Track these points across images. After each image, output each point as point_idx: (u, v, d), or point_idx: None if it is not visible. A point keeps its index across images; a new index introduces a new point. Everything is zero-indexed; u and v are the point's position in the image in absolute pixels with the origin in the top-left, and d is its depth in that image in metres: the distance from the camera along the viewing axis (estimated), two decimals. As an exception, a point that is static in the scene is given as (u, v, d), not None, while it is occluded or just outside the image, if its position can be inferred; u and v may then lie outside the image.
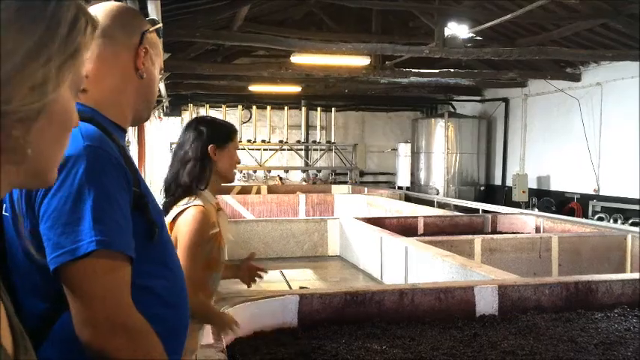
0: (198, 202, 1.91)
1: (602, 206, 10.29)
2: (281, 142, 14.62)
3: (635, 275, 3.76)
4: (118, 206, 0.99)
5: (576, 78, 10.98)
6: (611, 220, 9.23)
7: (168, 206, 1.94)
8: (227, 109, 14.09)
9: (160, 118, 13.14)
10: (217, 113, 13.66)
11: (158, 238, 1.08)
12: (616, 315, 3.15)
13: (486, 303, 3.22)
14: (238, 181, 13.15)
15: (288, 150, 15.02)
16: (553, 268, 5.51)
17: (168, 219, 1.91)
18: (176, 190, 1.96)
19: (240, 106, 14.18)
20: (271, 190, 11.95)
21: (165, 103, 11.30)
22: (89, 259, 0.94)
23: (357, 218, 7.20)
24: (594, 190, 10.77)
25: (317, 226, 7.23)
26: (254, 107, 14.28)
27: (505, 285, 3.31)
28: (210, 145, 1.99)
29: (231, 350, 2.47)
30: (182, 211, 1.91)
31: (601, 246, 5.76)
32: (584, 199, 10.88)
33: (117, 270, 0.97)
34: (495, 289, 3.26)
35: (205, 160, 1.99)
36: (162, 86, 8.39)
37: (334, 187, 12.99)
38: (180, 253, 1.81)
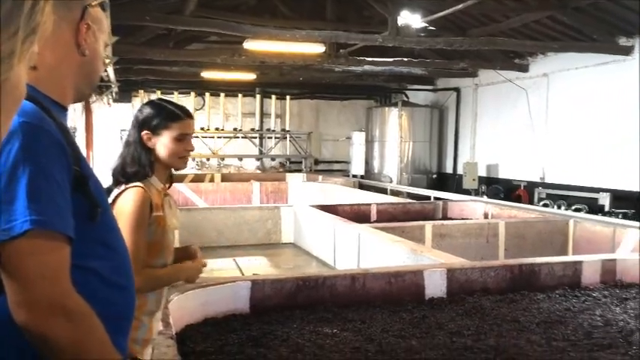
0: (138, 184, 1.91)
1: (547, 193, 10.66)
2: (235, 129, 14.49)
3: (576, 258, 3.93)
4: (56, 185, 0.96)
5: (524, 69, 11.29)
6: (555, 207, 9.59)
7: (110, 190, 1.92)
8: (179, 95, 13.82)
9: (109, 104, 12.78)
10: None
11: (100, 218, 1.06)
12: (557, 295, 3.28)
13: (435, 286, 3.29)
14: (192, 169, 12.97)
15: (242, 138, 14.89)
16: (500, 252, 5.69)
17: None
18: (118, 175, 1.96)
19: (193, 93, 13.94)
20: (225, 178, 11.85)
21: (115, 89, 10.99)
22: (24, 239, 0.91)
23: (311, 206, 7.23)
24: (540, 178, 11.14)
25: (271, 214, 7.22)
26: (207, 94, 14.07)
27: (453, 269, 3.40)
28: (144, 132, 1.97)
29: (182, 337, 2.45)
30: (121, 193, 1.90)
31: (545, 230, 5.98)
32: (531, 186, 11.25)
33: (54, 250, 0.94)
34: (444, 273, 3.34)
35: (139, 146, 1.97)
36: (111, 71, 8.16)
37: (289, 175, 12.99)
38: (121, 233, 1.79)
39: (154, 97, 14.04)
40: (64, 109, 1.13)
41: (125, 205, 1.87)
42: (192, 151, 2.06)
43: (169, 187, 2.20)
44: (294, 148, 15.23)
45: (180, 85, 14.06)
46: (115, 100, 13.19)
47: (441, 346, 2.43)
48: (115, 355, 1.02)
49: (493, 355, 2.32)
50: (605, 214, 8.61)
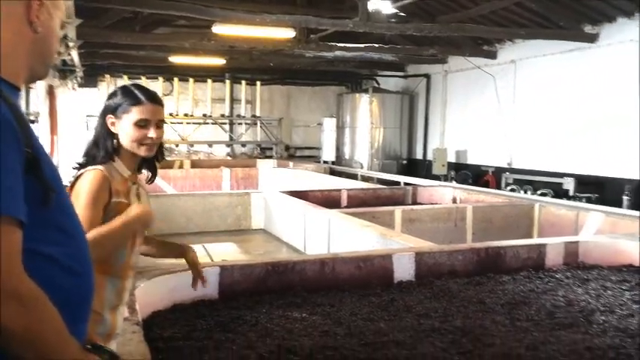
0: (98, 167, 1.85)
1: (514, 178, 10.85)
2: (205, 115, 14.31)
3: (540, 240, 4.01)
4: (5, 167, 0.92)
5: (492, 55, 11.41)
6: (522, 191, 9.77)
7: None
8: (147, 80, 13.55)
9: (74, 88, 12.47)
10: (137, 85, 13.14)
11: (56, 203, 1.02)
12: (522, 277, 3.35)
13: (404, 270, 3.33)
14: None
15: (212, 124, 14.72)
16: (467, 236, 5.77)
17: (68, 185, 1.87)
18: (83, 158, 1.91)
19: (161, 78, 13.70)
20: (195, 165, 11.72)
21: (80, 74, 10.72)
22: None
23: (282, 192, 7.21)
24: (507, 164, 11.33)
25: (240, 200, 7.17)
26: (176, 79, 13.85)
27: (421, 252, 3.44)
28: (108, 116, 1.93)
29: (149, 323, 2.43)
30: (80, 176, 1.86)
31: (511, 215, 6.09)
32: (499, 171, 11.43)
33: (5, 234, 0.91)
34: (412, 257, 3.38)
35: (103, 130, 1.93)
36: (75, 55, 7.95)
37: (259, 161, 12.92)
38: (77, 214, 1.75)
39: (120, 82, 13.80)
40: (17, 90, 1.08)
41: (81, 185, 1.83)
42: (154, 138, 1.93)
43: (152, 180, 2.14)
44: (264, 134, 15.14)
45: (147, 70, 13.80)
46: (80, 85, 12.85)
47: (409, 328, 2.46)
48: (71, 342, 1.00)
49: (459, 336, 2.36)
50: (569, 198, 8.82)
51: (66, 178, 1.67)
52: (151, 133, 1.93)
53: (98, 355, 1.13)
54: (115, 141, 1.93)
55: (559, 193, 9.42)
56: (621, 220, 5.15)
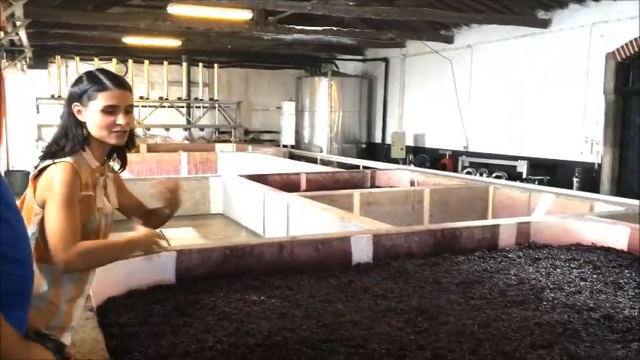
0: (67, 159, 1.78)
1: (470, 161, 11.07)
2: (161, 98, 14.04)
3: (494, 221, 4.11)
4: None
5: (449, 40, 11.55)
6: (478, 174, 9.98)
7: (38, 165, 1.80)
8: (100, 62, 13.18)
9: (23, 70, 12.00)
10: (89, 67, 12.74)
11: None
12: (476, 257, 3.43)
13: (362, 252, 3.36)
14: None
15: (168, 107, 14.45)
16: (425, 218, 5.88)
17: (31, 176, 1.80)
18: (47, 148, 1.83)
19: (114, 60, 13.34)
20: (151, 149, 11.50)
21: (29, 54, 10.32)
22: None
23: (241, 176, 7.16)
24: (464, 147, 11.54)
25: (199, 184, 7.08)
26: (130, 61, 13.50)
27: (379, 234, 3.48)
28: (74, 104, 1.85)
29: (103, 309, 2.39)
30: (46, 167, 1.77)
31: (467, 197, 6.23)
32: (455, 155, 11.64)
33: None
34: (370, 239, 3.41)
35: (70, 119, 1.85)
36: (23, 35, 7.64)
37: (218, 145, 12.77)
38: (52, 210, 1.70)
39: (72, 63, 13.35)
40: None
41: (52, 181, 1.74)
42: (123, 125, 1.85)
43: (122, 170, 2.07)
44: (223, 117, 14.96)
45: (100, 51, 13.40)
46: (29, 67, 12.40)
47: (366, 309, 2.49)
48: (5, 327, 0.97)
49: (415, 315, 2.40)
50: (523, 180, 9.07)
51: (17, 164, 1.61)
52: (120, 119, 1.83)
53: (42, 343, 1.10)
54: (84, 130, 1.85)
55: (513, 175, 9.67)
56: (571, 201, 5.33)
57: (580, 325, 2.28)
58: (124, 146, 1.96)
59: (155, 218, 2.25)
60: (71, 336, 1.80)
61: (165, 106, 14.28)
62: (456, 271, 3.14)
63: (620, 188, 8.60)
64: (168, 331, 2.19)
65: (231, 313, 2.40)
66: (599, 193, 7.77)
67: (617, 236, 3.69)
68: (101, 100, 1.82)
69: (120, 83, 1.88)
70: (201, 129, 14.78)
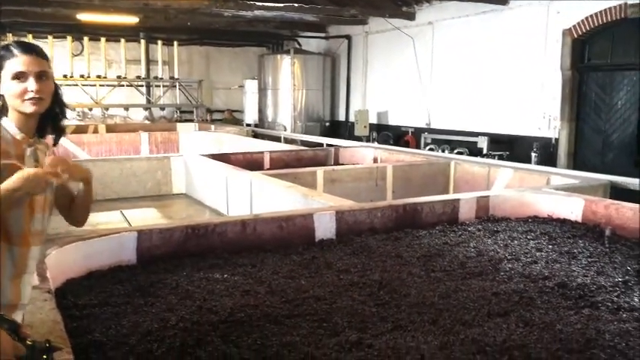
0: None
1: (432, 138, 11.20)
2: (119, 77, 13.67)
3: (454, 196, 4.18)
4: None
5: (411, 17, 11.56)
6: (440, 150, 10.12)
7: None
8: (54, 40, 12.74)
9: (-29, 48, 11.49)
10: (43, 44, 12.30)
11: None
12: (437, 231, 3.49)
13: (325, 228, 3.38)
14: (73, 120, 12.14)
15: (127, 86, 14.10)
16: (388, 195, 5.93)
17: None
18: None
19: (69, 37, 12.90)
20: (110, 129, 11.23)
21: (-22, 32, 9.88)
22: None
23: (203, 155, 7.07)
24: (426, 124, 11.66)
25: (160, 164, 6.96)
26: (86, 39, 13.08)
27: (342, 211, 3.50)
28: None
29: (62, 291, 2.34)
30: None
31: (429, 173, 6.31)
32: (418, 132, 11.75)
33: None
34: (333, 215, 3.43)
35: None
36: (-30, 11, 7.29)
37: (179, 125, 12.56)
38: None
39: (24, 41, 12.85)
40: None
41: None
42: (35, 91, 1.77)
43: (56, 142, 1.99)
44: (184, 96, 14.69)
45: (54, 29, 12.92)
46: (-21, 45, 11.89)
47: (329, 284, 2.52)
48: None
49: (377, 289, 2.44)
50: (483, 156, 9.24)
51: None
52: (31, 85, 1.78)
53: None
54: (1, 101, 1.79)
55: (474, 151, 9.83)
56: (529, 175, 5.46)
57: (535, 294, 2.35)
58: (55, 117, 1.90)
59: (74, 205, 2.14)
60: (23, 314, 1.76)
61: (123, 85, 13.93)
62: (417, 245, 3.19)
63: (576, 162, 8.85)
64: (130, 311, 2.17)
65: (194, 291, 2.39)
66: (556, 167, 7.98)
67: (572, 208, 3.80)
68: (9, 67, 1.79)
69: (28, 49, 1.84)
70: (162, 108, 14.49)
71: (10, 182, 1.68)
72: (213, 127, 11.97)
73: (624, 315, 2.12)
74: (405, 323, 2.08)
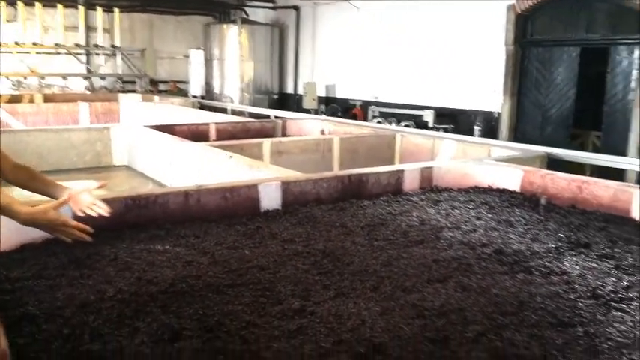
0: None
1: (380, 111, 11.30)
2: (57, 45, 13.06)
3: (399, 167, 4.24)
4: None
5: (359, -11, 11.51)
6: (387, 123, 10.22)
7: None
8: (-15, 3, 12.01)
9: None
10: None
11: None
12: (381, 202, 3.53)
13: (270, 199, 3.36)
14: (7, 89, 11.55)
15: (66, 54, 13.49)
16: (334, 167, 5.96)
17: None
18: None
19: (3, 2, 12.19)
20: (48, 99, 10.75)
21: None
22: None
23: (146, 126, 6.88)
24: (374, 97, 11.73)
25: (100, 135, 6.73)
26: (20, 3, 12.39)
27: (287, 181, 3.48)
28: None
29: (-8, 265, 2.24)
30: None
31: (375, 145, 6.37)
32: (366, 105, 11.82)
33: None
34: (278, 186, 3.41)
35: None
36: None
37: (121, 95, 12.15)
38: None
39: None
40: None
41: None
42: None
43: None
44: (126, 66, 14.19)
45: (-16, -8, 12.19)
46: None
47: (273, 254, 2.51)
48: None
49: (321, 257, 2.45)
50: (429, 129, 9.40)
51: None
52: None
53: None
54: None
55: (420, 124, 9.99)
56: (471, 147, 5.59)
57: (473, 260, 2.42)
58: None
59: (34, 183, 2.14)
60: None
61: (61, 54, 13.32)
62: (362, 214, 3.22)
63: (517, 135, 9.15)
64: (65, 284, 2.09)
65: (133, 263, 2.33)
66: (498, 140, 8.22)
67: (511, 178, 3.92)
68: None
69: None
70: (103, 78, 13.97)
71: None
72: (157, 97, 11.64)
73: (555, 278, 2.21)
74: (348, 290, 2.10)
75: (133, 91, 13.46)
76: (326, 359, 1.57)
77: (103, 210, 2.47)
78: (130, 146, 6.81)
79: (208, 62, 14.20)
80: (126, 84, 14.27)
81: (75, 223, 2.32)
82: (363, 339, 1.69)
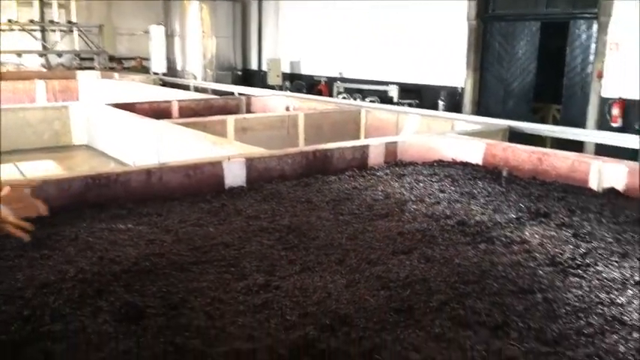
0: None
1: (345, 87, 11.28)
2: (10, 21, 12.56)
3: (364, 142, 4.25)
4: None
5: (322, -38, 11.37)
6: (352, 99, 10.21)
7: None
8: None
9: None
10: None
11: None
12: (347, 177, 3.54)
13: (234, 176, 3.33)
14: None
15: (19, 31, 12.99)
16: (300, 143, 5.94)
17: None
18: None
19: (-52, -25, 11.61)
20: (2, 77, 10.35)
21: None
22: None
23: (106, 104, 6.70)
24: (339, 74, 11.69)
25: (58, 114, 6.53)
26: (-33, -24, 11.82)
27: (252, 158, 3.45)
28: None
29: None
30: None
31: (340, 120, 6.37)
32: (331, 81, 11.78)
33: None
34: (243, 163, 3.38)
35: None
36: None
37: (80, 72, 11.79)
38: None
39: None
40: None
41: None
42: None
43: None
44: (84, 43, 13.76)
45: None
46: None
47: (238, 230, 2.49)
48: None
49: (286, 233, 2.45)
50: (393, 104, 9.44)
51: None
52: None
53: None
54: None
55: (385, 99, 10.02)
56: (435, 121, 5.64)
57: (437, 232, 2.46)
58: None
59: None
60: None
61: (15, 30, 12.81)
62: (327, 190, 3.22)
63: (480, 109, 9.27)
64: (25, 265, 2.04)
65: (94, 242, 2.29)
66: (461, 114, 8.31)
67: (473, 152, 3.98)
68: None
69: None
70: (60, 55, 13.53)
71: None
72: (116, 75, 11.34)
73: (516, 248, 2.27)
74: (313, 265, 2.10)
75: (92, 68, 13.08)
76: (292, 332, 1.57)
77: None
78: (89, 125, 6.64)
79: (169, 38, 13.89)
80: (84, 61, 13.86)
81: (13, 219, 2.11)
82: (329, 311, 1.70)
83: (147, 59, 14.73)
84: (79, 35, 13.52)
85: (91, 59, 13.79)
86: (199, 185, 3.20)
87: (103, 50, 13.93)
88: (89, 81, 10.72)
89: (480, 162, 3.89)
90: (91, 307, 1.73)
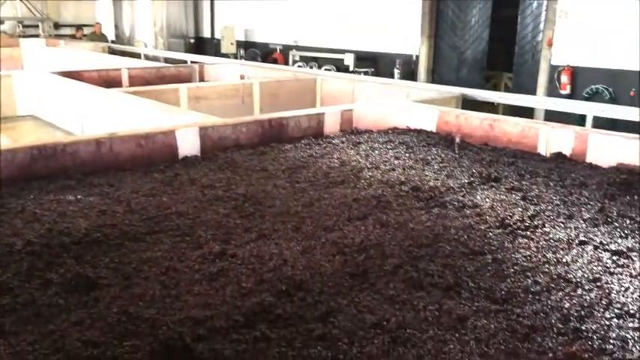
0: None
1: (300, 55, 11.16)
2: (-57, -16, 11.81)
3: (319, 110, 4.24)
4: None
5: None
6: (308, 68, 10.13)
7: None
8: None
9: None
10: None
11: None
12: (303, 145, 3.53)
13: (188, 145, 3.27)
14: None
15: (-46, -5, 12.25)
16: (255, 111, 5.87)
17: None
18: None
19: None
20: (-63, 46, 9.77)
21: None
22: None
23: (53, 72, 6.44)
24: (294, 42, 11.54)
25: (1, 83, 6.24)
26: None
27: (206, 127, 3.39)
28: None
29: None
30: None
31: (296, 89, 6.32)
32: (286, 49, 11.63)
33: None
34: (196, 132, 3.32)
35: None
36: None
37: (23, 40, 11.25)
38: None
39: None
40: None
41: None
42: None
43: None
44: (26, 9, 13.11)
45: None
46: None
47: (193, 199, 2.46)
48: None
49: (242, 201, 2.43)
50: (349, 72, 9.41)
51: None
52: None
53: None
54: None
55: (341, 68, 9.98)
56: (390, 89, 5.66)
57: (392, 198, 2.49)
58: None
59: None
60: None
61: (-51, -6, 12.08)
62: (283, 158, 3.21)
63: (434, 77, 9.35)
64: (-33, 240, 1.96)
65: (42, 214, 2.22)
66: (416, 82, 8.37)
67: (427, 119, 4.02)
68: None
69: None
70: (1, 22, 12.85)
71: None
72: (62, 42, 10.89)
73: (468, 212, 2.32)
74: (269, 232, 2.10)
75: (36, 35, 12.50)
76: (248, 299, 1.58)
77: None
78: (35, 94, 6.37)
79: (117, 4, 13.38)
80: (27, 28, 13.22)
81: None
82: (285, 277, 1.70)
83: (91, 25, 14.16)
84: (22, 1, 12.87)
85: (36, 26, 13.18)
86: (152, 155, 3.13)
87: (48, 17, 13.32)
88: (34, 49, 10.25)
89: (433, 129, 3.94)
90: (41, 279, 1.69)
